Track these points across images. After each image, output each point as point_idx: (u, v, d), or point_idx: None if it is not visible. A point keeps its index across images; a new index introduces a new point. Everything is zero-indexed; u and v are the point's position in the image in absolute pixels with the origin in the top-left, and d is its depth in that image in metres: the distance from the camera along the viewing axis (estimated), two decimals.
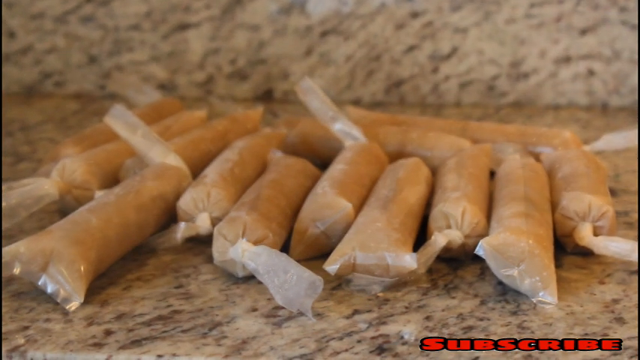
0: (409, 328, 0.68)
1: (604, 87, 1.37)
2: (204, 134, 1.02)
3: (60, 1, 1.41)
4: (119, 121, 0.90)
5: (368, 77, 1.40)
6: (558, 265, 0.75)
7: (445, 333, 0.68)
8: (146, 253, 0.83)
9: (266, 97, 1.42)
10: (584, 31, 1.35)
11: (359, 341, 0.67)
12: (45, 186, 0.85)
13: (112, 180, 0.92)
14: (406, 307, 0.72)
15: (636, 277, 0.75)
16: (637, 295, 0.72)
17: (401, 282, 0.76)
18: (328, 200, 0.83)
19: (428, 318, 0.71)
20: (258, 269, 0.73)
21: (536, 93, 1.38)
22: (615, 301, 0.72)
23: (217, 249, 0.77)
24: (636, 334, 0.66)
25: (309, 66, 1.40)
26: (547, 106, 1.38)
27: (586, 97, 1.38)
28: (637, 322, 0.67)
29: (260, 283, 0.74)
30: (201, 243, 0.83)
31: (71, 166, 0.90)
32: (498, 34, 1.36)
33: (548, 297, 0.71)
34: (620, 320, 0.68)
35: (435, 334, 0.68)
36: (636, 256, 0.75)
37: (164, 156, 0.90)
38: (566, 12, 1.34)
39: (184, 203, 0.84)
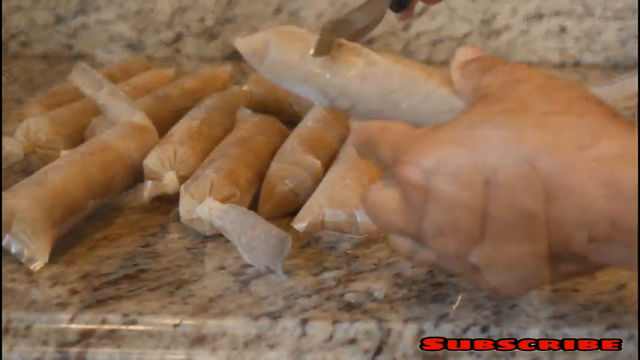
0: (378, 285, 0.68)
1: (576, 44, 1.36)
2: (172, 93, 1.01)
3: None
4: (84, 79, 0.89)
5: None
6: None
7: (415, 290, 0.68)
8: (113, 212, 0.81)
9: (235, 56, 1.40)
10: None
11: (328, 298, 0.66)
12: (7, 145, 0.84)
13: (77, 139, 0.91)
14: (375, 264, 0.72)
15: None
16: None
17: (370, 239, 0.75)
18: (297, 157, 0.82)
19: (397, 275, 0.70)
20: (225, 227, 0.72)
21: (508, 50, 1.38)
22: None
23: (184, 207, 0.76)
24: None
25: (279, 25, 1.38)
26: (519, 63, 1.38)
27: (558, 55, 1.37)
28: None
29: (228, 241, 0.74)
30: (168, 202, 0.82)
31: (36, 125, 0.88)
32: None
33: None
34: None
35: (405, 291, 0.67)
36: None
37: (130, 114, 0.88)
38: None
39: (151, 162, 0.83)
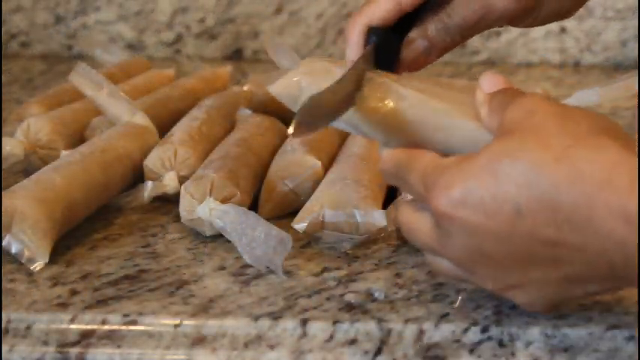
0: (379, 285, 0.68)
1: (576, 44, 1.36)
2: (172, 93, 1.01)
3: None
4: (84, 79, 0.89)
5: (339, 35, 1.39)
6: None
7: (415, 290, 0.68)
8: (113, 213, 0.82)
9: (236, 56, 1.40)
10: None
11: (328, 299, 0.66)
12: (7, 146, 0.84)
13: (78, 139, 0.91)
14: (376, 265, 0.72)
15: None
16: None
17: (370, 239, 0.75)
18: (297, 158, 0.82)
19: (398, 275, 0.70)
20: (225, 227, 0.72)
21: (508, 51, 1.38)
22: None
23: (184, 207, 0.76)
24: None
25: (279, 25, 1.39)
26: (519, 64, 1.38)
27: (558, 55, 1.37)
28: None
29: (228, 241, 0.74)
30: (168, 202, 0.82)
31: (36, 125, 0.88)
32: None
33: None
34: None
35: (405, 291, 0.67)
36: None
37: (131, 115, 0.88)
38: None
39: (151, 162, 0.83)
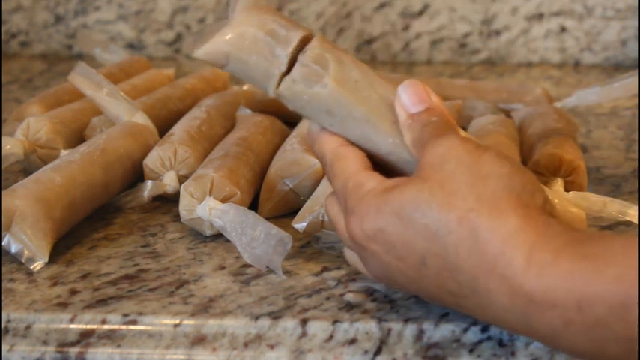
0: (379, 285, 0.68)
1: (576, 44, 1.36)
2: (172, 92, 1.01)
3: None
4: (84, 78, 0.89)
5: (338, 35, 1.39)
6: None
7: None
8: (112, 212, 0.82)
9: None
10: None
11: (328, 298, 0.66)
12: (7, 145, 0.84)
13: (78, 139, 0.91)
14: None
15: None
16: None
17: None
18: (297, 157, 0.82)
19: None
20: (225, 227, 0.72)
21: (508, 50, 1.38)
22: None
23: (184, 207, 0.76)
24: None
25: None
26: (519, 63, 1.38)
27: (558, 55, 1.37)
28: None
29: (228, 241, 0.74)
30: (168, 202, 0.83)
31: (36, 125, 0.88)
32: None
33: None
34: None
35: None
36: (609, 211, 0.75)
37: (131, 114, 0.88)
38: None
39: (151, 161, 0.83)
